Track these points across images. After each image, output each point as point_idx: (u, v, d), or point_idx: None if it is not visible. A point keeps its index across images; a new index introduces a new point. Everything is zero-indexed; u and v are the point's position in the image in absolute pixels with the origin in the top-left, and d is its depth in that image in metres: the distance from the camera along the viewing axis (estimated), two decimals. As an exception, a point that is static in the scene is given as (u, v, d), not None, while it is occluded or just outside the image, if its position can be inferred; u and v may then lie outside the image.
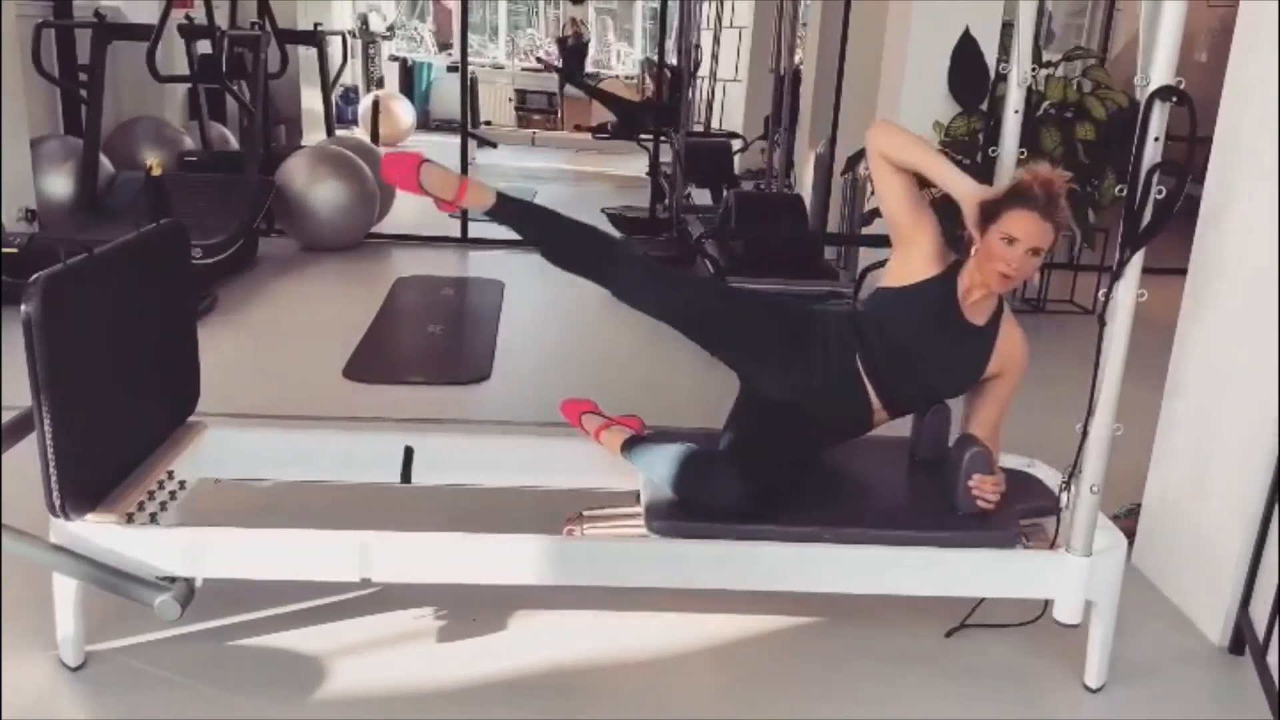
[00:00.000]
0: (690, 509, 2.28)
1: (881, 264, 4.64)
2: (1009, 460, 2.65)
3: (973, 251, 2.24)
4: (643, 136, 8.04)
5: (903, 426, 2.56)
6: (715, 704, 2.27)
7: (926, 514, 2.35)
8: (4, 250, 4.67)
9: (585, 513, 2.41)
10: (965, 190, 2.23)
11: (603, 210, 7.25)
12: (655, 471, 2.38)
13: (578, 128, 11.99)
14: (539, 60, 12.36)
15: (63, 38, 6.47)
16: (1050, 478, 2.47)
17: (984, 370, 2.36)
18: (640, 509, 2.35)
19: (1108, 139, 4.83)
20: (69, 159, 5.78)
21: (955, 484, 2.29)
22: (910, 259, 2.33)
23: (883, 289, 2.37)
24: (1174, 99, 1.96)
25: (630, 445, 2.50)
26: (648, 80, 11.15)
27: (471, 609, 2.47)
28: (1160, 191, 2.00)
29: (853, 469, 2.54)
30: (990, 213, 2.18)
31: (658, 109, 7.83)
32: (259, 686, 2.22)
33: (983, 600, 2.47)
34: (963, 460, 2.28)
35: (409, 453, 2.64)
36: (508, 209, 2.37)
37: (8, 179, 5.06)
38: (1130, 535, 2.78)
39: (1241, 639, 2.51)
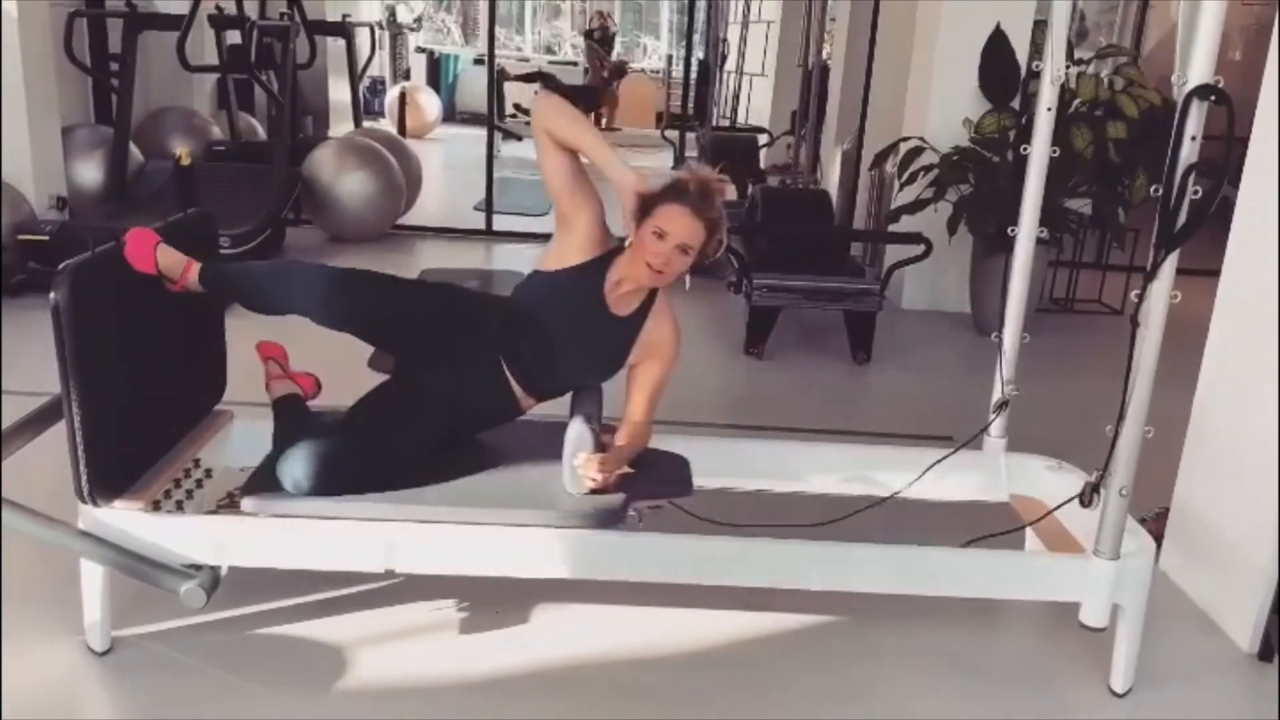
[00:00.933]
0: (285, 485, 2.20)
1: (909, 261, 4.67)
2: (1031, 463, 2.64)
3: (627, 244, 2.24)
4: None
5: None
6: (738, 701, 2.26)
7: (541, 493, 2.28)
8: (34, 238, 4.73)
9: (234, 491, 2.37)
10: (624, 180, 2.21)
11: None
12: (274, 443, 2.35)
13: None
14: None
15: (95, 27, 6.52)
16: (1077, 479, 2.45)
17: (624, 360, 2.35)
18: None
19: (1139, 137, 4.78)
20: (99, 147, 5.84)
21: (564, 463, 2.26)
22: (567, 242, 2.30)
23: (537, 273, 2.36)
24: (1212, 98, 1.93)
25: (277, 405, 2.47)
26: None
27: (494, 601, 2.47)
28: (1196, 192, 1.97)
29: (507, 450, 2.44)
30: (646, 206, 2.19)
31: (591, 93, 7.64)
32: (281, 675, 2.23)
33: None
34: (568, 440, 2.25)
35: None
36: (210, 278, 2.31)
37: (38, 167, 5.10)
38: (1158, 539, 2.75)
39: (1270, 646, 2.48)
